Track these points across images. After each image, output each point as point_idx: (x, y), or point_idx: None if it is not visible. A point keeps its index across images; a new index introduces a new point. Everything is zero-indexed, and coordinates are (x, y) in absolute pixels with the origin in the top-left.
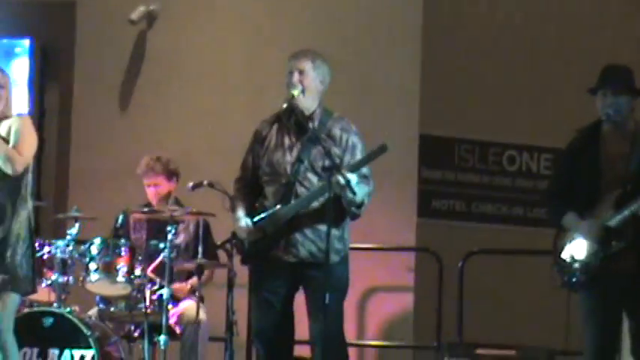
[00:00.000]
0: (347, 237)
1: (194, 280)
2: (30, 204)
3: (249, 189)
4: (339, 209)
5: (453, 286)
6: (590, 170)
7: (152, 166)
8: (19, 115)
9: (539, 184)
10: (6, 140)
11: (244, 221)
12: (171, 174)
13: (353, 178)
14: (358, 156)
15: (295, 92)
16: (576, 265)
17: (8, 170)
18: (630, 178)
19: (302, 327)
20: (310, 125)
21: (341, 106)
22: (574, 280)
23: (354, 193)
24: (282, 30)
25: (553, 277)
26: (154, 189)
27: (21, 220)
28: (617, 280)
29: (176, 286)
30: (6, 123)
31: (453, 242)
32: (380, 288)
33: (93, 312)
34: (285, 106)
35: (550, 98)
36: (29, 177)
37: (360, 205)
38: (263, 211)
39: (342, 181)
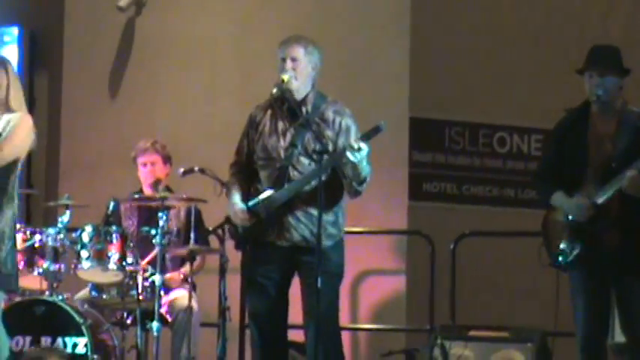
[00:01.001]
0: (342, 222)
1: (186, 268)
2: (16, 202)
3: (244, 174)
4: (332, 193)
5: (445, 268)
6: (578, 149)
7: (150, 145)
8: (23, 113)
9: (530, 165)
10: None
11: (239, 206)
12: (167, 158)
13: (366, 148)
14: (352, 137)
15: (285, 77)
16: (564, 243)
17: None
18: (616, 157)
19: (297, 311)
20: (304, 109)
21: (330, 90)
22: (561, 258)
23: (368, 163)
24: (270, 15)
25: (541, 256)
26: (151, 168)
27: (6, 219)
28: (602, 257)
29: (168, 275)
30: (6, 117)
31: (445, 225)
32: (372, 271)
33: (82, 294)
34: (274, 91)
35: (540, 79)
36: (17, 175)
37: (362, 181)
38: (257, 196)
39: (364, 151)
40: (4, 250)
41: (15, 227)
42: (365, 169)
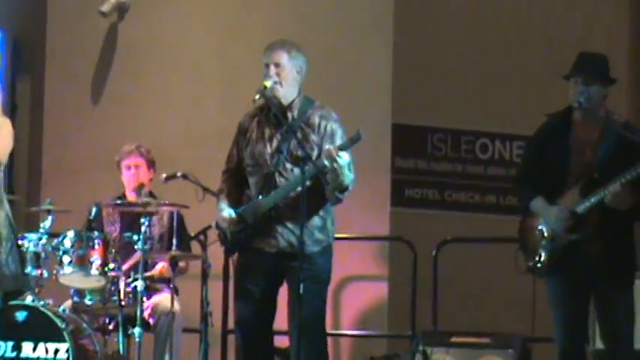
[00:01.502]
0: (330, 227)
1: (163, 265)
2: (6, 204)
3: (234, 180)
4: (317, 199)
5: (427, 274)
6: (559, 156)
7: (135, 149)
8: (2, 118)
9: (511, 171)
10: None
11: (226, 212)
12: (151, 163)
13: (347, 157)
14: (338, 142)
15: (268, 83)
16: (542, 250)
17: None
18: (598, 166)
19: (283, 317)
20: (289, 115)
21: (313, 96)
22: (539, 265)
23: (349, 171)
24: (254, 19)
25: (518, 262)
26: (135, 171)
27: (0, 221)
28: (582, 265)
29: (158, 267)
30: None
31: (427, 231)
32: (354, 277)
33: (66, 304)
34: (257, 97)
35: (522, 86)
36: (1, 176)
37: (344, 190)
38: (247, 203)
39: (343, 160)
40: (3, 252)
41: (13, 228)
42: (347, 177)
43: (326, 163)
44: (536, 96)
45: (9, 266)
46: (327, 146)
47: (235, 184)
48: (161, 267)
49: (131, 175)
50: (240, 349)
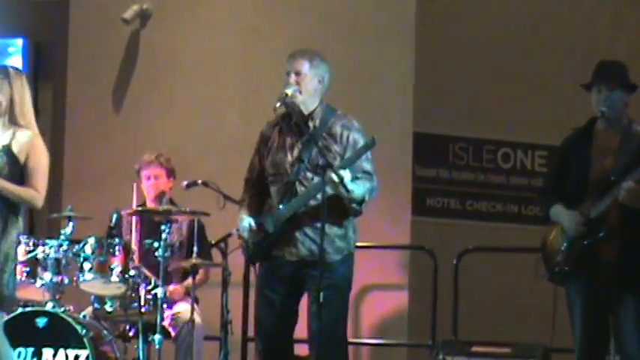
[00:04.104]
0: (351, 235)
1: (189, 281)
2: (21, 223)
3: (256, 190)
4: (341, 207)
5: (447, 284)
6: (581, 164)
7: (155, 159)
8: (33, 134)
9: (533, 181)
10: (17, 160)
11: (246, 221)
12: (171, 172)
13: (346, 175)
14: (334, 168)
15: (289, 91)
16: (559, 256)
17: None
18: (616, 171)
19: (303, 325)
20: (311, 124)
21: (334, 104)
22: (556, 270)
23: (347, 191)
24: (276, 28)
25: (538, 268)
26: (154, 181)
27: (11, 240)
28: (600, 269)
29: (170, 288)
30: (21, 136)
31: (448, 240)
32: (375, 286)
33: (87, 311)
34: (278, 105)
35: (544, 95)
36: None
37: (360, 202)
38: (270, 211)
39: (335, 178)
40: (7, 272)
41: (17, 246)
42: (355, 191)
43: (328, 189)
44: (558, 105)
45: (9, 287)
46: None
47: (257, 194)
48: (173, 288)
49: (150, 186)
50: (261, 357)
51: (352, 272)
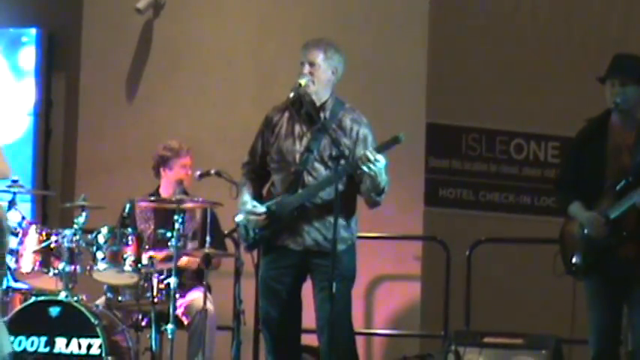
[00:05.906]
0: (354, 225)
1: (188, 259)
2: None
3: (255, 174)
4: (349, 202)
5: (460, 274)
6: (596, 160)
7: (185, 147)
8: None
9: (546, 172)
10: None
11: (251, 204)
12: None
13: (382, 159)
14: (370, 148)
15: (302, 81)
16: (578, 253)
17: None
18: (633, 170)
19: (311, 315)
20: (322, 115)
21: (347, 96)
22: (575, 268)
23: (379, 174)
24: (289, 18)
25: (557, 265)
26: (188, 170)
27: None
28: (617, 268)
29: (184, 259)
30: None
31: (461, 231)
32: (387, 277)
33: (101, 301)
34: (291, 95)
35: (558, 86)
36: None
37: (381, 192)
38: (271, 199)
39: (381, 163)
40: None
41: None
42: (384, 180)
43: (364, 168)
44: (571, 97)
45: None
46: (359, 150)
47: (256, 179)
48: (187, 260)
49: (184, 174)
50: (269, 348)
51: (355, 261)
